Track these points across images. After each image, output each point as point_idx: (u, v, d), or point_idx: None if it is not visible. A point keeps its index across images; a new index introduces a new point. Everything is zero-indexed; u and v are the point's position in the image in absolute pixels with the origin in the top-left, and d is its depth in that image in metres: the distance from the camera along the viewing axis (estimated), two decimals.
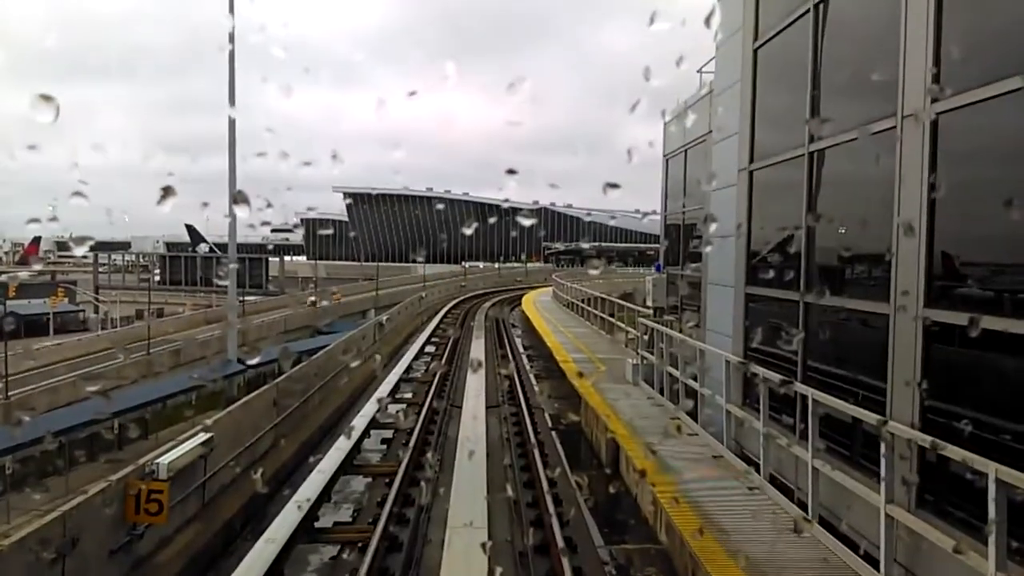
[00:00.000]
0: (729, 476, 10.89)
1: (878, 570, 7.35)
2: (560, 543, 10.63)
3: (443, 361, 29.37)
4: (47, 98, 3.35)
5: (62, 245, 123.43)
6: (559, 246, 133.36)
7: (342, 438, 16.82)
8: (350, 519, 12.85)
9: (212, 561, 11.05)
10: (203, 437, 12.26)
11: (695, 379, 13.70)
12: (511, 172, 5.50)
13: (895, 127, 7.83)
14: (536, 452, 15.37)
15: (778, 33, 11.36)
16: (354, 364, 26.33)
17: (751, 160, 12.22)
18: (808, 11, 10.08)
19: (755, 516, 9.33)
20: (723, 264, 13.40)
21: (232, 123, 32.47)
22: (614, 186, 4.95)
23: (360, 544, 10.98)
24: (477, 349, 33.26)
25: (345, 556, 11.04)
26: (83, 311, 73.29)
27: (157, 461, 10.37)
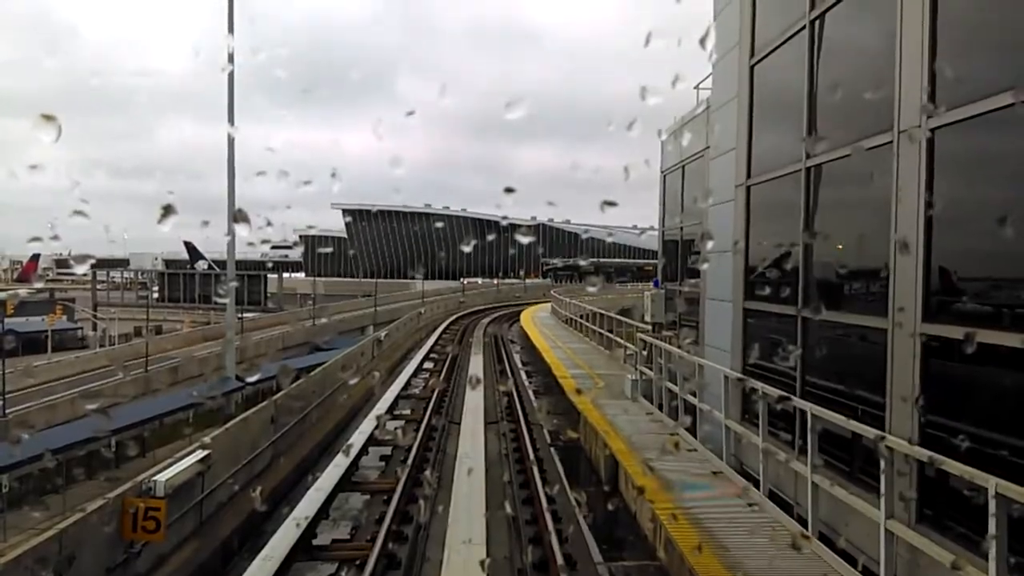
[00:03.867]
0: (728, 492, 10.85)
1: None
2: (559, 560, 10.60)
3: (441, 378, 29.33)
4: (49, 118, 3.28)
5: (61, 263, 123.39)
6: (557, 262, 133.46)
7: (340, 455, 16.78)
8: (348, 536, 12.81)
9: None
10: (201, 454, 12.23)
11: (694, 395, 13.68)
12: (509, 190, 5.46)
13: (891, 143, 7.87)
14: (535, 469, 15.34)
15: (774, 50, 11.43)
16: (352, 381, 26.29)
17: (748, 175, 12.26)
18: (804, 28, 10.15)
19: (754, 532, 9.29)
20: (721, 279, 13.41)
21: (231, 141, 32.47)
22: (611, 204, 4.93)
23: (358, 562, 10.95)
24: (476, 365, 33.25)
25: (343, 574, 10.98)
26: (81, 328, 73.21)
27: (154, 479, 10.34)
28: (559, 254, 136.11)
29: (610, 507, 12.32)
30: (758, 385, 10.56)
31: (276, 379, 24.13)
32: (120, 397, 33.20)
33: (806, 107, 10.08)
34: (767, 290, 11.46)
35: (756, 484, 10.46)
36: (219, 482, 12.98)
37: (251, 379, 31.43)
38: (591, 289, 75.31)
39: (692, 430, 13.55)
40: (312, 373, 22.81)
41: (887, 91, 7.94)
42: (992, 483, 5.76)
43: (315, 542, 12.13)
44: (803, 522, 9.01)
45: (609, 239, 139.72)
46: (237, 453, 14.34)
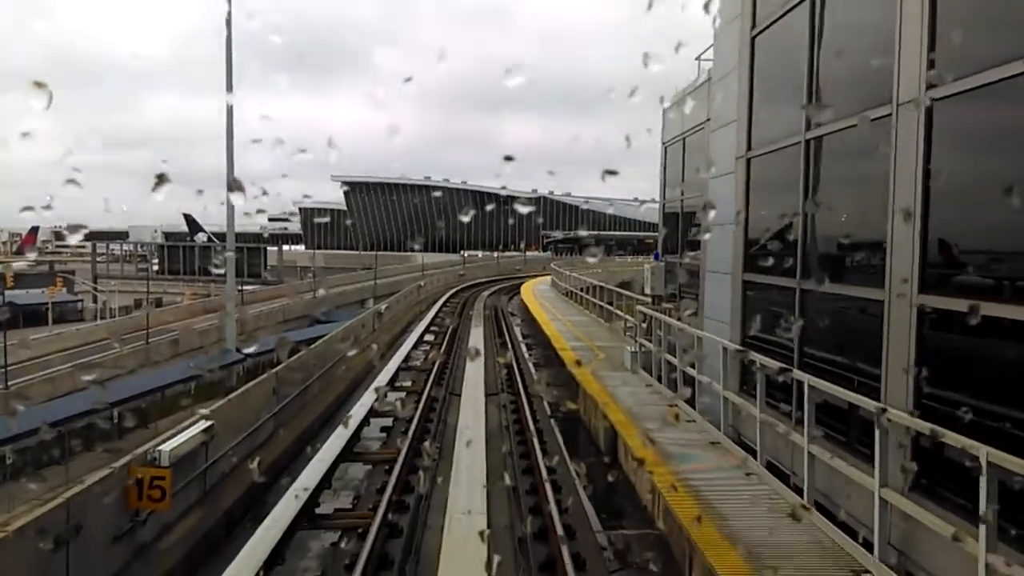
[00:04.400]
0: (727, 463, 10.97)
1: (872, 553, 7.44)
2: (559, 530, 10.74)
3: (442, 350, 29.42)
4: (40, 84, 3.25)
5: (60, 235, 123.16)
6: (558, 235, 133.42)
7: (341, 427, 16.91)
8: (350, 506, 12.97)
9: (214, 547, 11.12)
10: (204, 424, 12.33)
11: (693, 366, 13.76)
12: (508, 159, 5.39)
13: (891, 115, 7.88)
14: (534, 439, 15.49)
15: (775, 21, 11.38)
16: (352, 353, 26.41)
17: (749, 148, 12.25)
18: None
19: (753, 502, 9.42)
20: (721, 252, 13.45)
21: (230, 110, 32.27)
22: (612, 173, 4.90)
23: (360, 530, 11.09)
24: (476, 337, 33.35)
25: (345, 543, 11.13)
26: (81, 300, 73.23)
27: (159, 448, 10.44)
28: (559, 227, 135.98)
29: (610, 478, 12.46)
30: (756, 357, 10.62)
31: (275, 351, 24.18)
32: (120, 369, 33.27)
33: (806, 79, 10.07)
34: (766, 262, 11.49)
35: (754, 455, 10.58)
36: (222, 452, 13.10)
37: (250, 350, 31.58)
38: (591, 260, 75.42)
39: (691, 401, 13.67)
40: (314, 345, 22.90)
41: (887, 62, 7.93)
42: (983, 452, 5.84)
43: (318, 511, 12.31)
44: (800, 492, 9.13)
45: (609, 210, 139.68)
46: (240, 424, 14.45)
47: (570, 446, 16.08)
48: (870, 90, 8.44)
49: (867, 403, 7.87)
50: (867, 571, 7.43)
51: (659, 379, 16.20)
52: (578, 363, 19.28)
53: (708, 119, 16.12)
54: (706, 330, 14.15)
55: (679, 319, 16.27)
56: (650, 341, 17.42)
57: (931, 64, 7.30)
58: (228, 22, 31.98)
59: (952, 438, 6.36)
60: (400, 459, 14.22)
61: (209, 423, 12.49)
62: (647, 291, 22.89)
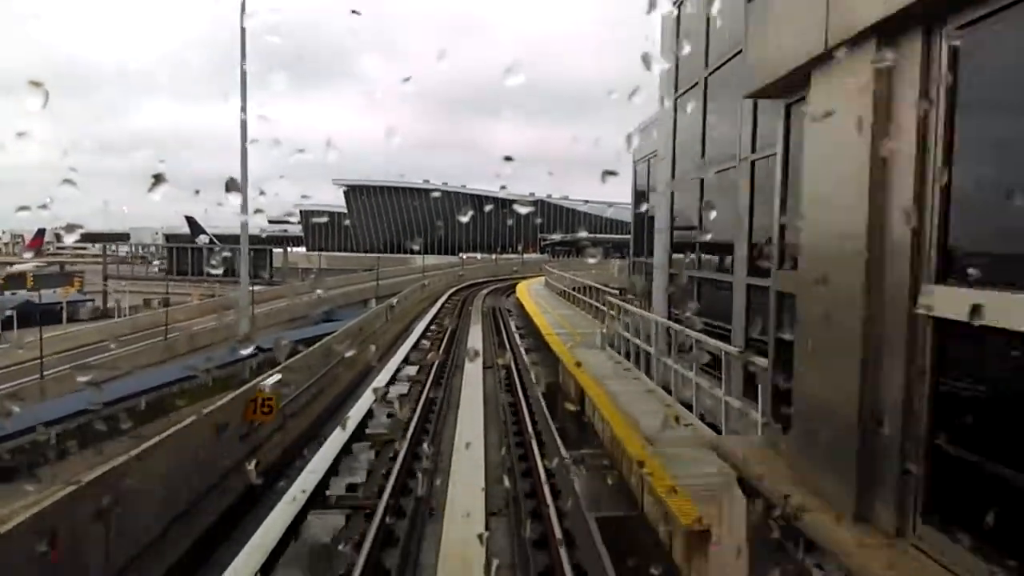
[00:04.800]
0: (654, 400, 15.72)
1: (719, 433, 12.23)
2: (535, 448, 15.55)
3: (445, 337, 34.18)
4: (36, 84, 3.39)
5: (61, 237, 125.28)
6: (555, 237, 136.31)
7: (370, 390, 21.71)
8: (385, 430, 17.83)
9: (293, 454, 15.92)
10: (276, 377, 17.05)
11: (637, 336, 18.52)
12: (508, 159, 5.75)
13: (735, 167, 12.72)
14: (518, 383, 20.36)
15: (687, 91, 16.19)
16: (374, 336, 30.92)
17: (672, 178, 17.06)
18: (699, 82, 14.94)
19: (654, 415, 14.16)
20: (660, 253, 18.24)
21: (243, 111, 36.00)
22: (612, 173, 5.13)
23: (394, 442, 15.96)
24: (475, 329, 38.10)
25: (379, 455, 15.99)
26: (92, 300, 76.55)
27: (264, 383, 15.24)
28: (558, 229, 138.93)
29: (574, 412, 17.18)
30: (669, 323, 15.40)
31: (274, 352, 27.10)
32: (122, 368, 35.66)
33: (701, 135, 14.89)
34: (680, 259, 16.28)
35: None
36: (291, 397, 17.88)
37: (247, 351, 34.05)
38: (591, 260, 78.69)
39: (638, 365, 18.43)
40: (329, 335, 27.42)
41: (735, 136, 12.78)
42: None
43: (367, 431, 17.23)
44: (689, 406, 13.87)
45: (608, 213, 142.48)
46: (299, 379, 19.21)
47: (548, 396, 20.91)
48: (728, 150, 13.27)
49: (722, 346, 12.60)
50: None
51: (618, 351, 20.89)
52: (577, 363, 23.89)
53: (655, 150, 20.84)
54: (655, 312, 18.88)
55: (640, 306, 20.98)
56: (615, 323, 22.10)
57: (753, 141, 12.12)
58: (242, 28, 35.08)
59: (746, 357, 11.10)
60: (417, 412, 19.00)
61: (279, 376, 17.23)
62: (614, 285, 27.50)
